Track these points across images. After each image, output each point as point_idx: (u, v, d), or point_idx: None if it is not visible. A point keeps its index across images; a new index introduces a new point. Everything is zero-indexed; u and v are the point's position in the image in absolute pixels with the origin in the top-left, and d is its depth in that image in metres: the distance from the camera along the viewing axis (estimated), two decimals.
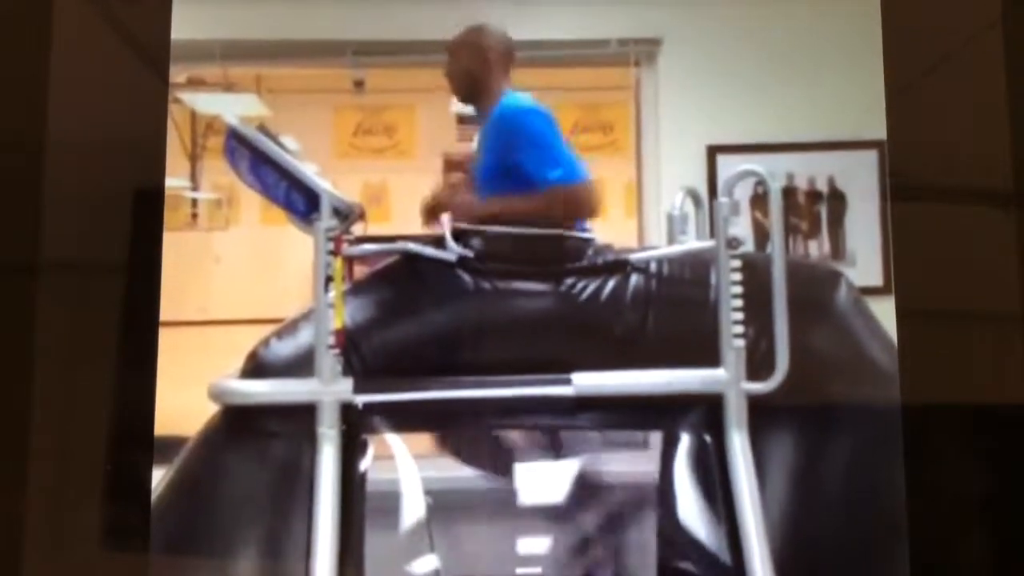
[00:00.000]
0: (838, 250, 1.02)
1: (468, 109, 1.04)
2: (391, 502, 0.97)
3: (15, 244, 0.84)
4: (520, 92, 1.02)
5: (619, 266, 1.00)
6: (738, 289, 0.95)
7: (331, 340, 0.95)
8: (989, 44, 0.88)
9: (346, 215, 0.97)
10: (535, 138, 1.02)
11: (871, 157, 0.98)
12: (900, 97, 0.88)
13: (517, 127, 1.02)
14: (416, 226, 1.02)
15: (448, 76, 1.01)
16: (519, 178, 1.02)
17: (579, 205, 1.02)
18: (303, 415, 0.93)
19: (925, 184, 0.89)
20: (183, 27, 0.89)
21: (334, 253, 0.96)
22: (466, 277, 0.99)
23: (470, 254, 1.00)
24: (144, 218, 0.85)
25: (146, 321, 0.84)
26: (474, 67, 1.00)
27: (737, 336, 0.95)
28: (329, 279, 0.96)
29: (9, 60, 0.86)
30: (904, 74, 0.89)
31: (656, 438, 1.02)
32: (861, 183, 0.99)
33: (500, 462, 1.03)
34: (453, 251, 0.99)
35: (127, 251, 0.85)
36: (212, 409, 0.93)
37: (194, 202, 0.98)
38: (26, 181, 0.84)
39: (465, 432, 1.01)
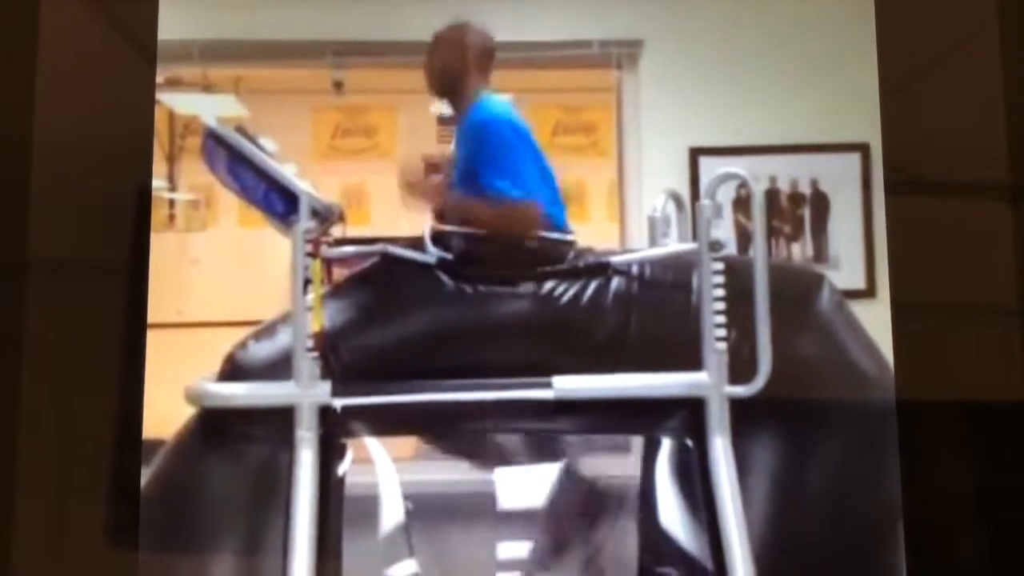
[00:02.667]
0: (821, 253, 1.02)
1: (445, 107, 1.04)
2: (370, 506, 0.96)
3: (3, 243, 0.83)
4: (497, 95, 1.02)
5: (600, 269, 0.99)
6: (720, 292, 0.94)
7: (309, 343, 0.94)
8: (985, 38, 0.88)
9: (325, 217, 0.97)
10: (495, 149, 1.02)
11: (854, 159, 0.97)
12: (896, 91, 0.88)
13: (482, 135, 1.02)
14: (396, 228, 1.01)
15: (426, 71, 1.00)
16: (479, 182, 1.02)
17: (520, 224, 1.02)
18: (281, 418, 0.92)
19: (921, 179, 0.88)
20: (162, 28, 0.89)
21: (312, 255, 0.95)
22: (446, 280, 0.99)
23: (449, 256, 0.99)
24: (131, 217, 0.85)
25: (134, 318, 0.84)
26: (451, 64, 1.00)
27: (719, 339, 0.94)
28: (307, 281, 0.95)
29: None
30: (899, 68, 0.89)
31: (637, 442, 1.01)
32: (844, 186, 0.99)
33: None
34: (432, 254, 0.99)
35: (114, 250, 0.84)
36: (189, 412, 0.92)
37: (171, 203, 0.97)
38: (13, 180, 0.83)
39: (446, 435, 1.00)
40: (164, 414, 0.90)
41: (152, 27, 0.88)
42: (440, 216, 1.01)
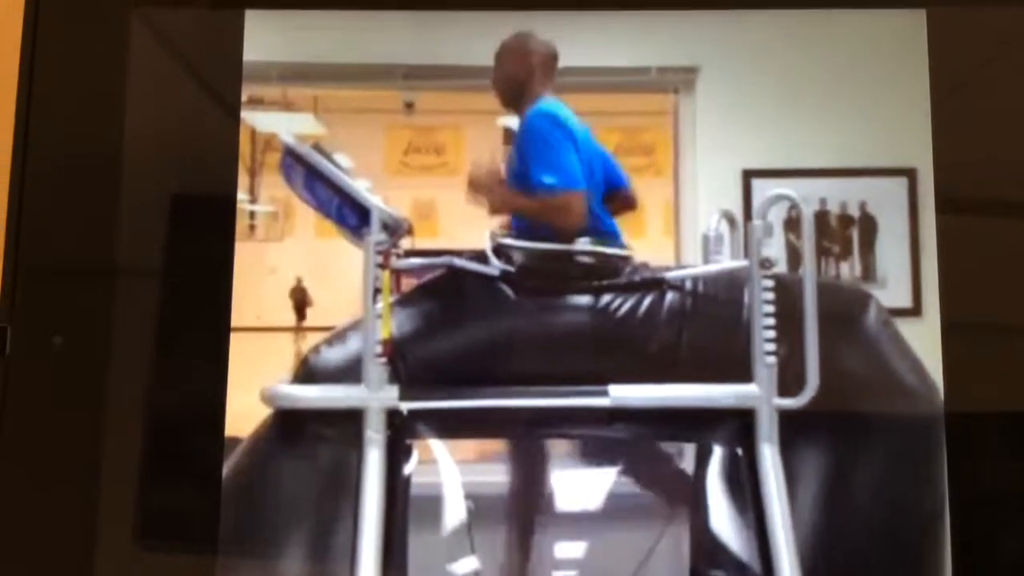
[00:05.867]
0: (869, 272, 1.05)
1: (512, 121, 1.08)
2: (434, 505, 1.00)
3: (95, 250, 0.89)
4: (553, 98, 1.06)
5: (655, 284, 1.04)
6: (770, 308, 0.99)
7: (378, 349, 0.99)
8: None
9: (395, 230, 1.02)
10: (537, 143, 1.06)
11: (901, 183, 1.00)
12: (947, 111, 0.91)
13: (528, 132, 1.07)
14: (463, 241, 1.06)
15: (494, 82, 1.05)
16: (528, 178, 1.07)
17: (562, 215, 1.06)
18: (350, 420, 0.97)
19: (972, 197, 0.92)
20: (246, 50, 0.95)
21: (383, 266, 1.01)
22: (508, 291, 1.03)
23: (511, 269, 1.04)
24: (217, 226, 0.90)
25: (218, 323, 0.89)
26: (516, 71, 1.04)
27: (769, 353, 0.98)
28: (377, 290, 1.00)
29: (89, 78, 0.91)
30: (951, 87, 0.92)
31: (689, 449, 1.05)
32: (892, 208, 1.02)
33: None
34: (495, 266, 1.04)
35: (202, 256, 0.90)
36: (266, 411, 0.97)
37: (252, 214, 1.02)
38: (105, 192, 0.89)
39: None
40: (242, 412, 0.94)
41: (238, 49, 0.94)
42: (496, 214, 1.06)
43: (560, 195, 1.06)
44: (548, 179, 1.05)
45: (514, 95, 1.07)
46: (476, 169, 1.06)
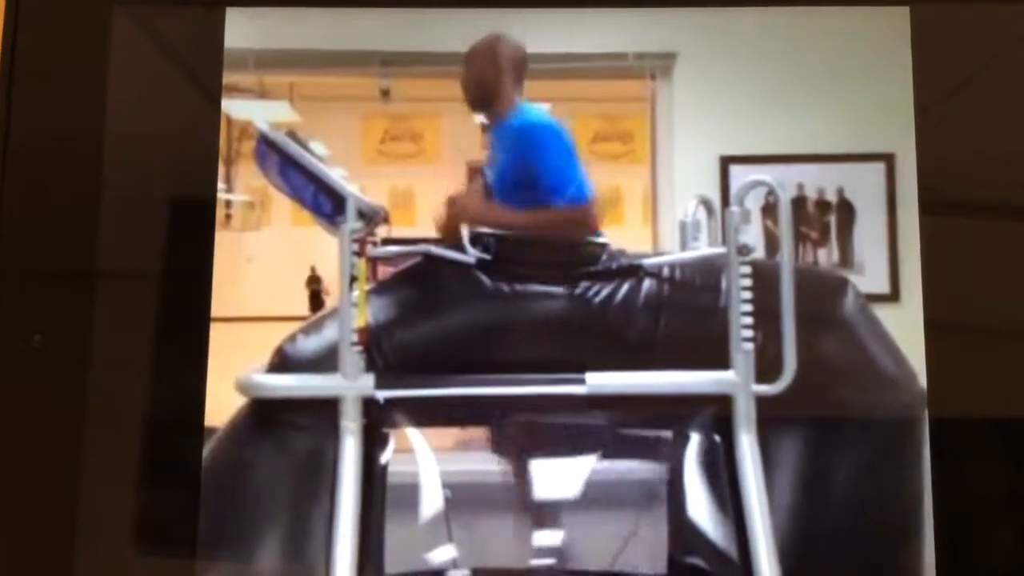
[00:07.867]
0: (847, 258, 1.05)
1: (483, 120, 1.08)
2: (411, 494, 1.00)
3: (74, 247, 0.89)
4: (535, 104, 1.06)
5: (632, 271, 1.04)
6: (747, 294, 0.98)
7: (354, 337, 0.99)
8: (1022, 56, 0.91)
9: (370, 218, 1.02)
10: (554, 155, 1.05)
11: (879, 169, 1.00)
12: (931, 109, 0.91)
13: (539, 142, 1.06)
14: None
15: (463, 85, 1.04)
16: (536, 190, 1.06)
17: (580, 225, 1.05)
18: (326, 409, 0.97)
19: (956, 198, 0.91)
20: None
21: (359, 254, 1.00)
22: (484, 279, 1.03)
23: (488, 257, 1.03)
24: (196, 224, 0.90)
25: (198, 320, 0.89)
26: (487, 75, 1.04)
27: (746, 340, 0.98)
28: (353, 279, 1.00)
29: (69, 76, 0.91)
30: (935, 86, 0.92)
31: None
32: (870, 194, 1.01)
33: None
34: (472, 254, 1.04)
35: (179, 254, 0.90)
36: (240, 401, 0.97)
37: (228, 204, 1.02)
38: (85, 190, 0.89)
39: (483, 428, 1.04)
40: (220, 402, 0.94)
41: (218, 44, 0.93)
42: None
43: (579, 208, 1.05)
44: (574, 194, 1.05)
45: (484, 98, 1.06)
46: (453, 205, 1.04)
